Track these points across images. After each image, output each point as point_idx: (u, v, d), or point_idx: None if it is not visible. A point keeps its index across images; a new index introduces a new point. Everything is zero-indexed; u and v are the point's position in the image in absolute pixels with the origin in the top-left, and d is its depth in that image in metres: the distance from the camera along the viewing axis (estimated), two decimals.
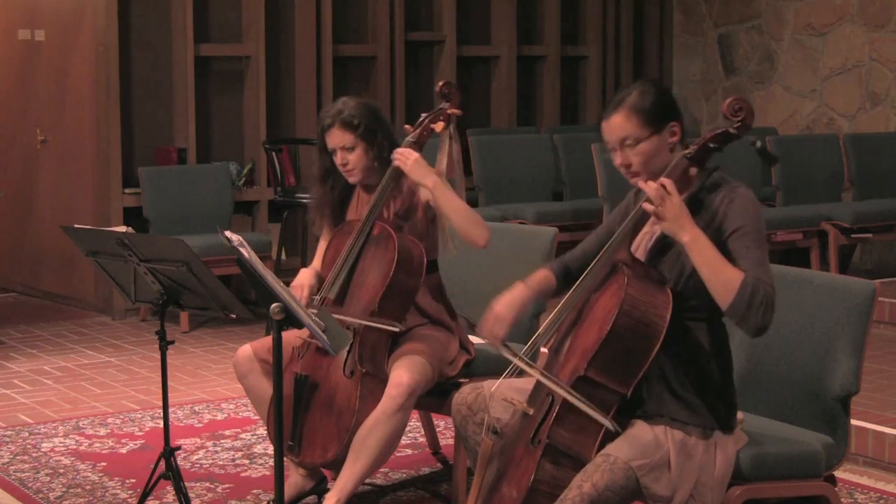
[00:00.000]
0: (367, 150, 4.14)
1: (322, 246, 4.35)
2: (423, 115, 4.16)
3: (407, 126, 4.17)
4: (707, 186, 3.20)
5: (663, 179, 3.10)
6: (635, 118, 3.20)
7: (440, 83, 4.16)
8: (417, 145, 4.10)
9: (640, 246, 3.29)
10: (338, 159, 4.16)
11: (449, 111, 4.11)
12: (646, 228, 3.29)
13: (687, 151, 3.17)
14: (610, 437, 3.15)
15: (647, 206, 3.09)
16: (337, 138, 4.14)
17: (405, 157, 4.03)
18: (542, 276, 3.51)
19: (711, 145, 3.16)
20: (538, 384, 3.26)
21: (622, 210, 3.46)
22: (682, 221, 3.06)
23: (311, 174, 4.34)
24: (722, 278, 3.03)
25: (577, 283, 3.26)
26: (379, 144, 4.14)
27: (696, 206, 3.16)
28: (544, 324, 3.31)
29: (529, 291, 3.45)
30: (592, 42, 9.82)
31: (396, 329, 4.00)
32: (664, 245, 3.23)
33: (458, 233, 4.06)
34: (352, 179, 4.20)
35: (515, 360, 3.26)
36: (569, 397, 3.09)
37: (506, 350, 3.32)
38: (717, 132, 3.17)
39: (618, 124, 3.22)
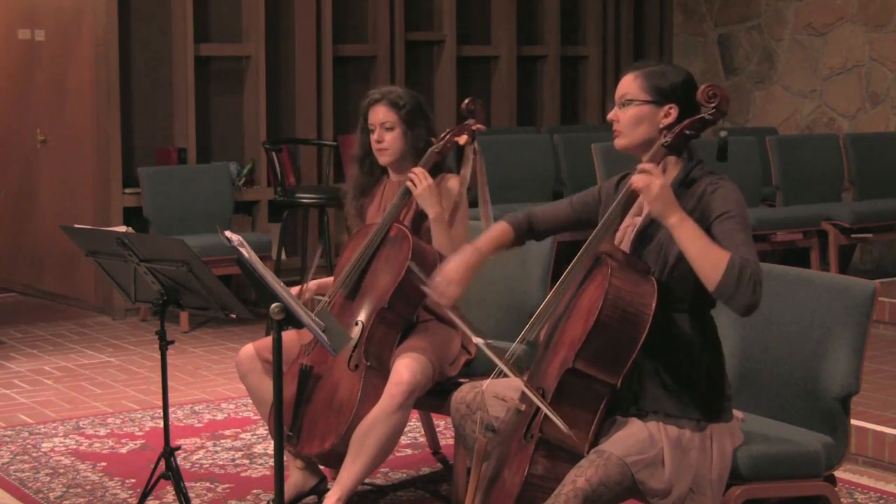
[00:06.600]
0: (405, 134, 4.23)
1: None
2: (448, 129, 4.25)
3: (433, 139, 4.25)
4: (689, 177, 3.24)
5: (644, 164, 3.13)
6: (642, 81, 3.28)
7: (466, 101, 4.27)
8: (440, 155, 4.20)
9: (623, 239, 3.30)
10: (374, 136, 4.24)
11: (473, 127, 4.20)
12: (627, 221, 3.31)
13: (664, 140, 3.21)
14: (603, 431, 3.16)
15: (638, 183, 3.10)
16: (380, 114, 4.22)
17: (418, 181, 4.11)
18: (497, 230, 3.56)
19: (687, 132, 3.21)
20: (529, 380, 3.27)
21: (600, 195, 3.47)
22: (668, 202, 3.08)
23: (351, 155, 4.43)
24: (709, 258, 3.04)
25: (563, 275, 3.28)
26: (416, 134, 4.23)
27: (676, 195, 3.17)
28: (532, 318, 3.32)
29: (480, 255, 3.50)
30: (592, 42, 9.82)
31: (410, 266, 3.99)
32: (646, 237, 3.25)
33: None
34: (382, 160, 4.27)
35: (500, 364, 3.27)
36: (546, 409, 3.09)
37: (488, 349, 3.31)
38: (692, 119, 3.22)
39: (626, 81, 3.32)
